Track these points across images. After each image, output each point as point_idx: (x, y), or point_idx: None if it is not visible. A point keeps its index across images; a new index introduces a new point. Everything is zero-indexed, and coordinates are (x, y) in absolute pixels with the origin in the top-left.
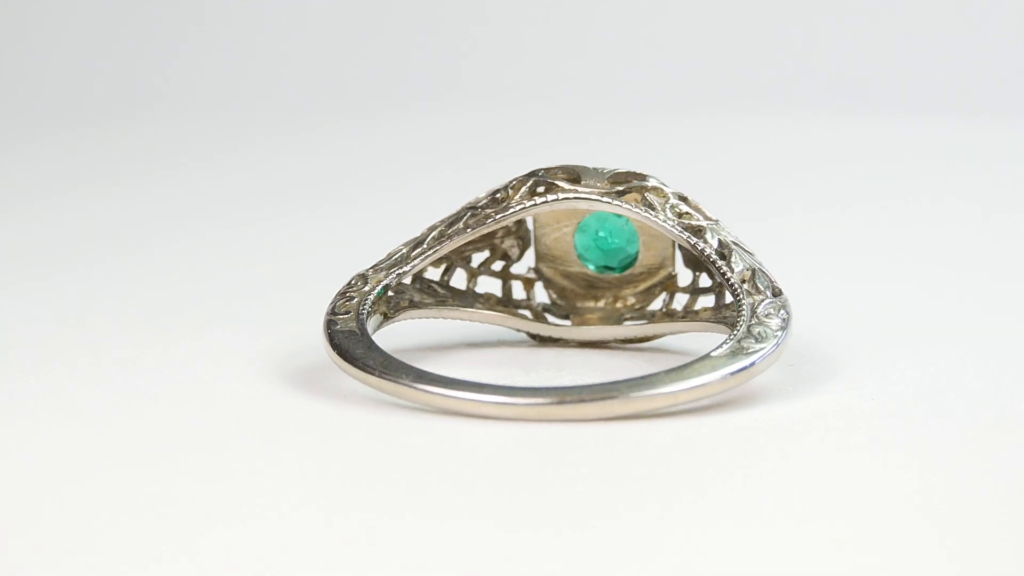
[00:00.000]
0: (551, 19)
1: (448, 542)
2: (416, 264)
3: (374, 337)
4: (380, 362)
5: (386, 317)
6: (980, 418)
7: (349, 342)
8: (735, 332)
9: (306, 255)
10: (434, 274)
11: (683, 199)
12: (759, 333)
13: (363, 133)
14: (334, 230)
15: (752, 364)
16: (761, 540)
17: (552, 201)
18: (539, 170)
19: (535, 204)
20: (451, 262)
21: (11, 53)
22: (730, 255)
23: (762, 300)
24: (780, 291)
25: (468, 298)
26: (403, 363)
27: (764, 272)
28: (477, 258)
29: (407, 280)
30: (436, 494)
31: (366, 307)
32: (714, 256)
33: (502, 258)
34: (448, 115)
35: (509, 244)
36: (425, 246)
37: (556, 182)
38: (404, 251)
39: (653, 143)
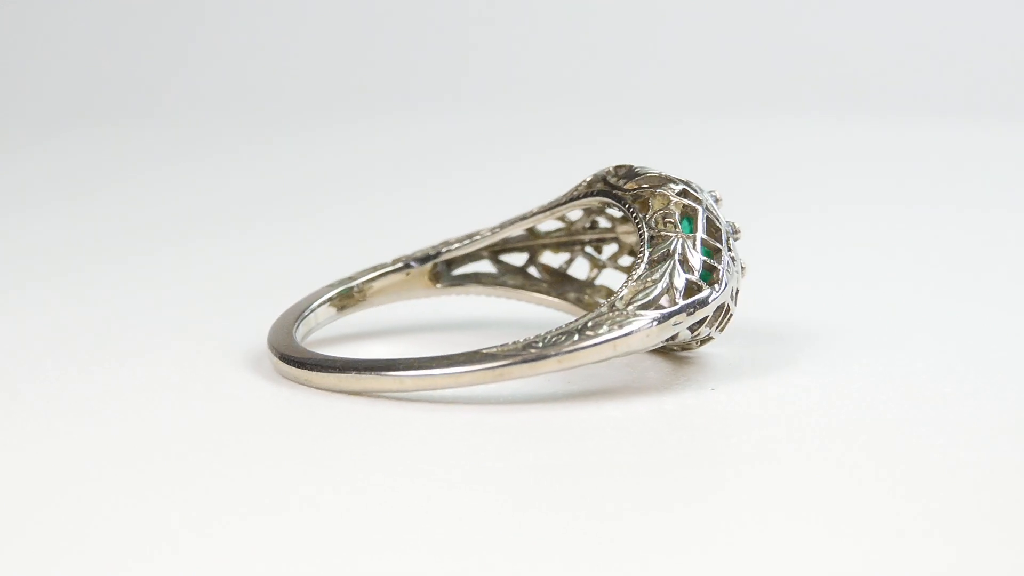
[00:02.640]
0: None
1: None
2: (473, 245)
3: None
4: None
5: (340, 309)
6: (954, 414)
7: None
8: (548, 332)
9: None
10: (553, 260)
11: (688, 209)
12: (554, 340)
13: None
14: (341, 231)
15: (493, 367)
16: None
17: (580, 199)
18: (609, 168)
19: (569, 201)
20: (572, 252)
21: None
22: (657, 266)
23: (605, 313)
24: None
25: (567, 287)
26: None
27: (662, 292)
28: (608, 250)
29: (515, 260)
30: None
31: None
32: (644, 262)
33: (630, 253)
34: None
35: (635, 240)
36: (487, 230)
37: (609, 180)
38: (478, 231)
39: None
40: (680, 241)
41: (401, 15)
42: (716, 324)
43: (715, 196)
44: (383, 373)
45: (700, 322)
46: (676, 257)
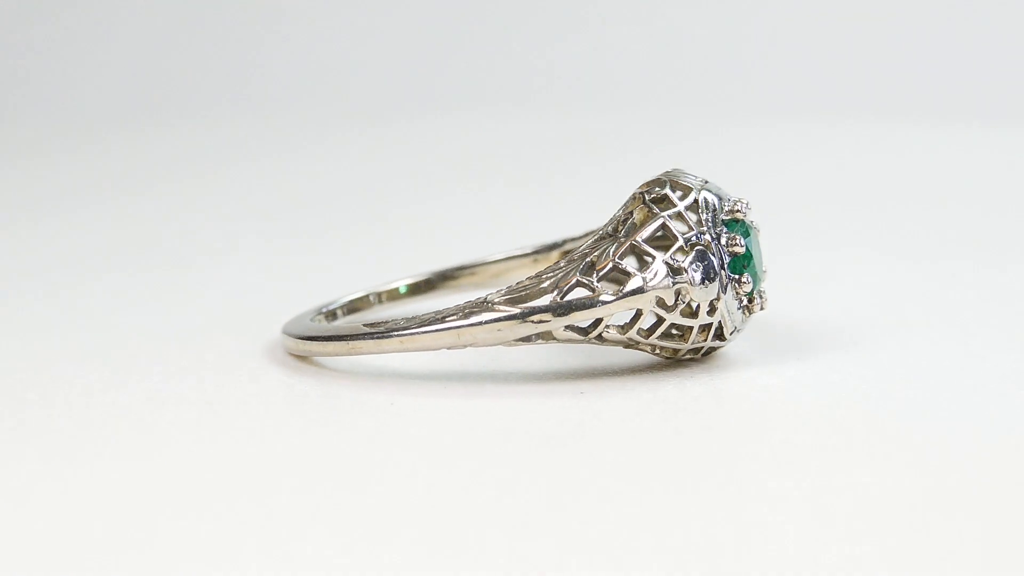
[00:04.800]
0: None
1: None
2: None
3: None
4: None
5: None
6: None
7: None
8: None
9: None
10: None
11: (648, 215)
12: (406, 323)
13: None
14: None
15: (347, 340)
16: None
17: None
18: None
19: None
20: None
21: None
22: (569, 265)
23: (473, 303)
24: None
25: None
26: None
27: (544, 290)
28: None
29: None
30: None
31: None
32: (565, 260)
33: None
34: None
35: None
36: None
37: (648, 181)
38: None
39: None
40: (609, 246)
41: (453, 20)
42: (641, 331)
43: (741, 204)
44: (292, 337)
45: (594, 324)
46: (589, 259)
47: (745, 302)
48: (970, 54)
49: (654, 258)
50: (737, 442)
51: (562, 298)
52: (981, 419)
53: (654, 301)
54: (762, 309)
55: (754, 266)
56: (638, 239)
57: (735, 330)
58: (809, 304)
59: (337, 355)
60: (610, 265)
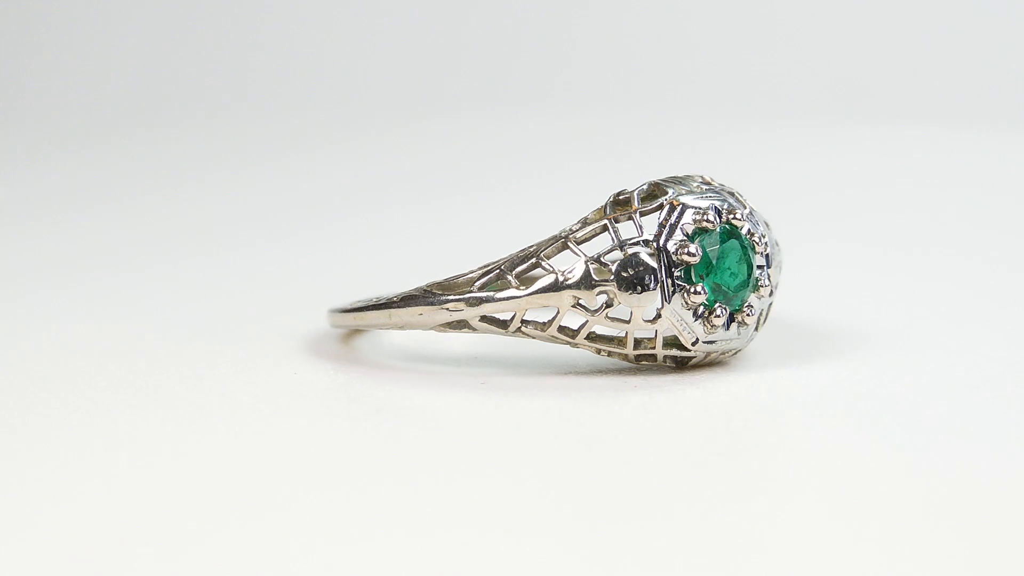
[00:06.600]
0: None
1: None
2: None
3: None
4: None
5: None
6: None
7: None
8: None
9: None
10: None
11: (601, 217)
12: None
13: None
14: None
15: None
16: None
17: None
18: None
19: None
20: None
21: None
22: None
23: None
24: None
25: None
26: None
27: (470, 281)
28: None
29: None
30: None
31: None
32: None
33: None
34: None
35: None
36: None
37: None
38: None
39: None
40: (544, 243)
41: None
42: (567, 330)
43: (710, 214)
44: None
45: (514, 317)
46: (522, 254)
47: (703, 313)
48: (971, 55)
49: (579, 258)
50: (737, 443)
51: (479, 290)
52: (984, 420)
53: (572, 301)
54: (741, 323)
55: (729, 278)
56: (571, 239)
57: (698, 341)
58: (811, 305)
59: (330, 327)
60: (532, 261)
